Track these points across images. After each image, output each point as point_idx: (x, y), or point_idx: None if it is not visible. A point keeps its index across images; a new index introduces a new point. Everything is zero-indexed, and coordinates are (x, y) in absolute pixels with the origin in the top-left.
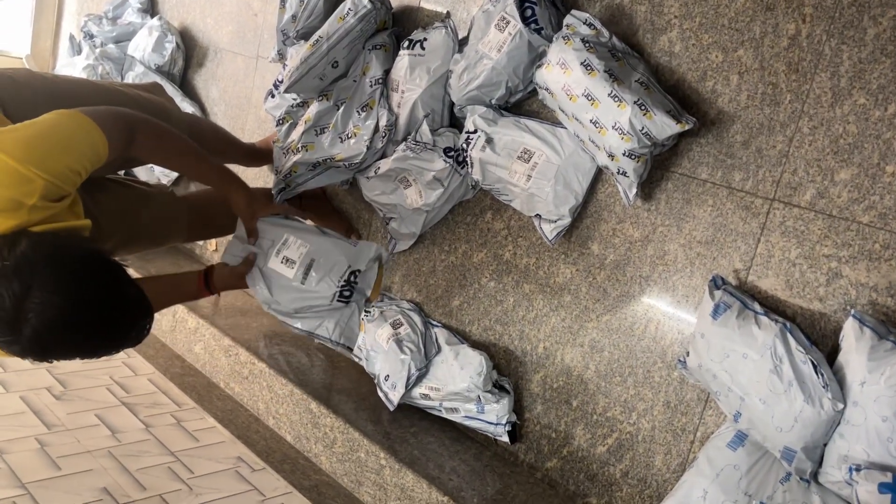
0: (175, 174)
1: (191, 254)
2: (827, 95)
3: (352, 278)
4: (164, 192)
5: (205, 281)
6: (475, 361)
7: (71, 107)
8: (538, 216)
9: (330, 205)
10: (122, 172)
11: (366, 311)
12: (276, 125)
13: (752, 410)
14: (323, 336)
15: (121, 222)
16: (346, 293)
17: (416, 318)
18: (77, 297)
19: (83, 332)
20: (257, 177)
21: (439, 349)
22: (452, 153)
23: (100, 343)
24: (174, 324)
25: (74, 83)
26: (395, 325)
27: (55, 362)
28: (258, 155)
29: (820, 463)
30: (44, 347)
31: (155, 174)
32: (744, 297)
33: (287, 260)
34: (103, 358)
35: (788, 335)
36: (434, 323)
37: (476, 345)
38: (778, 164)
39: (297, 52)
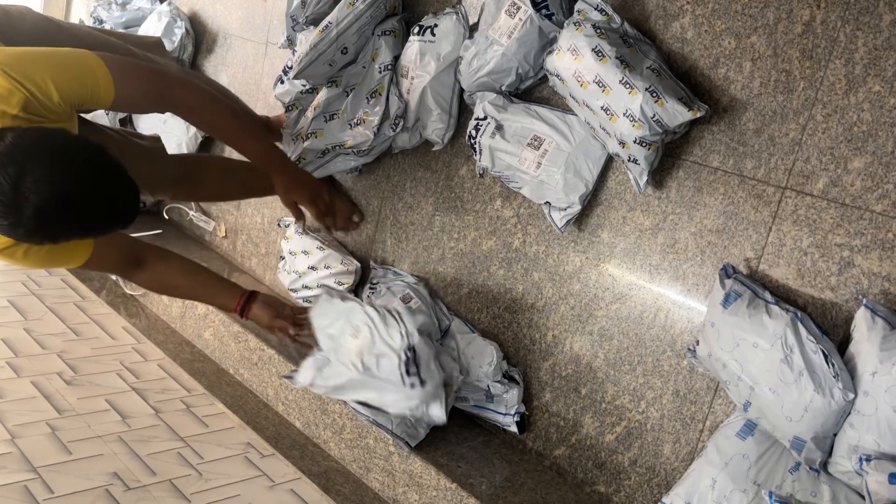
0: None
1: (200, 240)
2: (841, 83)
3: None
4: (156, 146)
5: (243, 305)
6: (486, 351)
7: (51, 39)
8: (548, 204)
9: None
10: (117, 123)
11: (371, 288)
12: (286, 111)
13: (762, 400)
14: (384, 426)
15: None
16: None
17: (424, 292)
18: (70, 170)
19: (80, 203)
20: None
21: (450, 321)
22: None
23: (94, 216)
24: (184, 310)
25: (66, 26)
26: (406, 300)
27: (58, 242)
28: (269, 129)
29: (830, 453)
30: (46, 224)
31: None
32: (755, 286)
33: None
34: (115, 341)
35: (799, 324)
36: (444, 309)
37: (485, 333)
38: (790, 152)
39: (307, 38)
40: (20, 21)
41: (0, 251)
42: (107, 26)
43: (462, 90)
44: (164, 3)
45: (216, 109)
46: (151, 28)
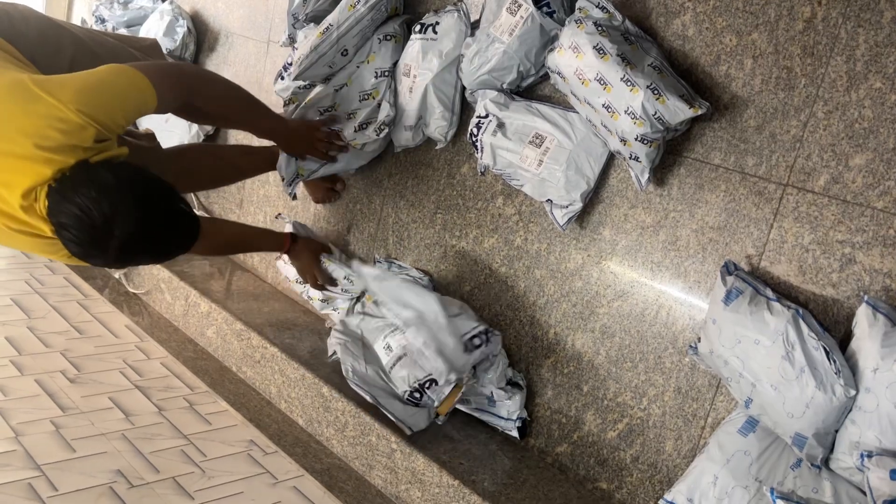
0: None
1: None
2: (842, 79)
3: (425, 385)
4: (153, 144)
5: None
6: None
7: (57, 45)
8: (549, 201)
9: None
10: None
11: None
12: (284, 106)
13: (764, 396)
14: (389, 409)
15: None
16: (417, 395)
17: (430, 286)
18: (155, 214)
19: (158, 241)
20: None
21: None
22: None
23: (167, 249)
24: (186, 308)
25: (68, 29)
26: None
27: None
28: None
29: (831, 449)
30: (126, 258)
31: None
32: (756, 282)
33: (388, 347)
34: (119, 339)
35: (801, 321)
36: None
37: None
38: (792, 148)
39: (307, 37)
40: (24, 24)
41: (54, 254)
42: (109, 25)
43: (464, 88)
44: (166, 2)
45: (235, 94)
46: (153, 27)
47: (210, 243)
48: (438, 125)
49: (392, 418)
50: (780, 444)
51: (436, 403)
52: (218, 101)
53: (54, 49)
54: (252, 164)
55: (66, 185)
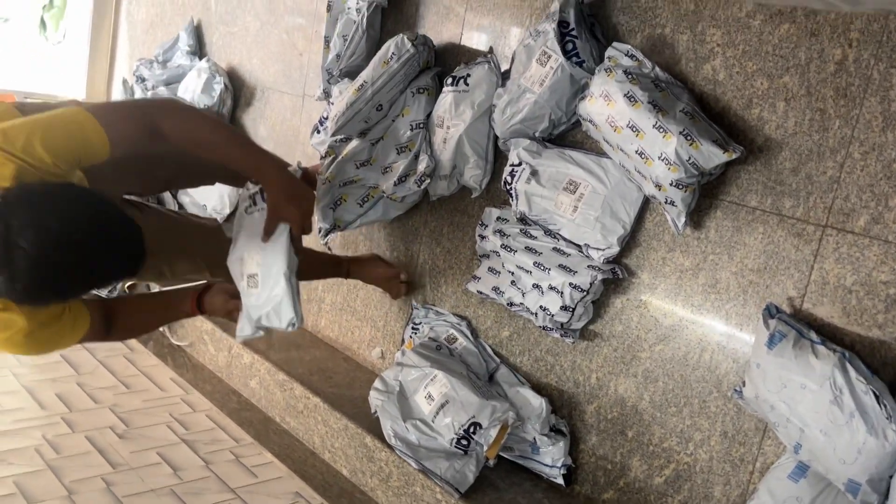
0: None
1: None
2: (877, 120)
3: (470, 430)
4: (214, 224)
5: (197, 302)
6: (535, 403)
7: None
8: (586, 246)
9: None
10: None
11: (413, 328)
12: (321, 159)
13: (813, 442)
14: (434, 472)
15: (163, 241)
16: (464, 442)
17: (467, 332)
18: (60, 216)
19: (74, 245)
20: None
21: (497, 364)
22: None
23: (97, 255)
24: (230, 359)
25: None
26: (451, 341)
27: (56, 300)
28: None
29: (886, 495)
30: (44, 273)
31: (207, 210)
32: (799, 325)
33: (429, 396)
34: (165, 392)
35: (848, 364)
36: (489, 351)
37: (527, 376)
38: (829, 189)
39: (342, 93)
40: None
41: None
42: (149, 84)
43: (497, 137)
44: (203, 60)
45: (207, 124)
46: (191, 84)
47: (124, 330)
48: (473, 174)
49: (439, 483)
50: (833, 491)
51: (484, 448)
52: (186, 125)
53: None
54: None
55: None
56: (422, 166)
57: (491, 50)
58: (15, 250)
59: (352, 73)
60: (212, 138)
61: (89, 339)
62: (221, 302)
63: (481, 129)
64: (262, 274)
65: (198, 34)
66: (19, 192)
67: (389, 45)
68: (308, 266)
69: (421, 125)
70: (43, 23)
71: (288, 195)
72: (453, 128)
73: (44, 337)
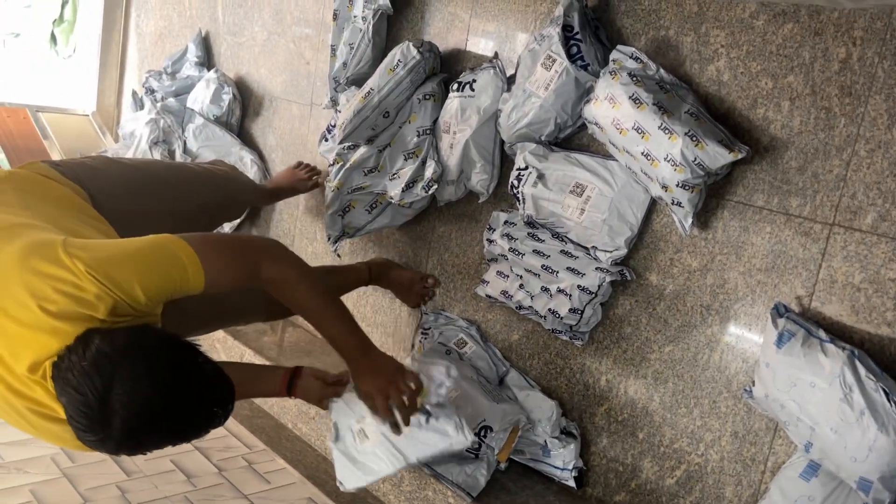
0: None
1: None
2: (883, 118)
3: (481, 433)
4: None
5: (288, 384)
6: (545, 406)
7: (141, 191)
8: (594, 248)
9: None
10: None
11: (423, 334)
12: (329, 166)
13: (824, 440)
14: (446, 476)
15: (201, 304)
16: (476, 446)
17: (477, 336)
18: (160, 382)
19: (171, 416)
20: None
21: (507, 368)
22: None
23: (189, 425)
24: None
25: (143, 166)
26: (460, 345)
27: (147, 454)
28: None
29: None
30: (135, 438)
31: None
32: (808, 324)
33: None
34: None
35: (857, 362)
36: (498, 354)
37: (537, 379)
38: (836, 188)
39: (349, 100)
40: (104, 177)
41: (74, 446)
42: (157, 95)
43: (503, 141)
44: (212, 71)
45: (309, 286)
46: (200, 95)
47: None
48: (480, 178)
49: (450, 487)
50: (845, 489)
51: (496, 451)
52: (285, 285)
53: (136, 192)
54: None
55: (63, 360)
56: (429, 172)
57: (496, 55)
58: (113, 415)
59: (358, 81)
60: (307, 304)
61: None
62: (318, 388)
63: (487, 133)
64: (379, 443)
65: (206, 45)
66: (126, 345)
67: (395, 53)
68: (337, 289)
69: (428, 131)
70: (53, 37)
71: (373, 375)
72: (460, 133)
73: None
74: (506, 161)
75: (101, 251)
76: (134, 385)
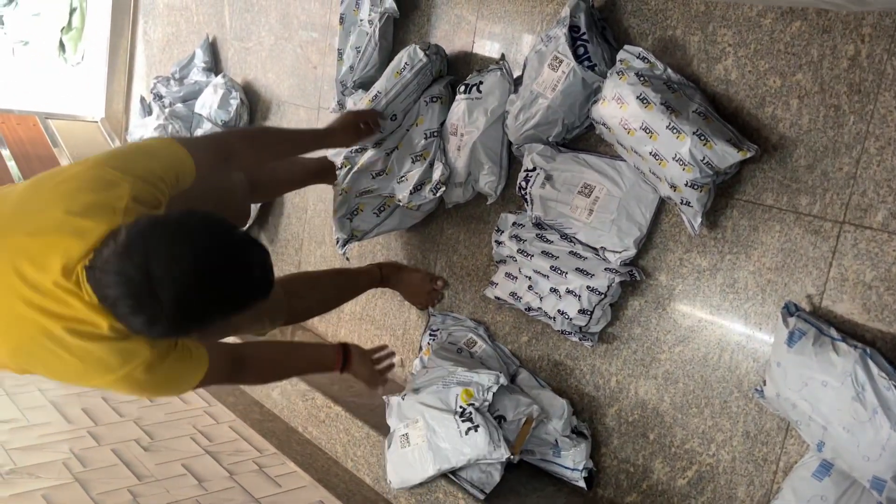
0: None
1: None
2: (892, 115)
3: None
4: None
5: (342, 362)
6: (557, 404)
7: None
8: (603, 249)
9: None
10: None
11: (431, 335)
12: (337, 170)
13: (836, 439)
14: (459, 474)
15: None
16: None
17: (485, 336)
18: (196, 245)
19: (215, 276)
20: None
21: (517, 367)
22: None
23: (235, 285)
24: None
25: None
26: (470, 345)
27: (201, 330)
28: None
29: None
30: (186, 305)
31: None
32: (819, 322)
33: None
34: (187, 405)
35: (869, 361)
36: (508, 353)
37: (547, 380)
38: (846, 186)
39: (356, 104)
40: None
41: (119, 379)
42: (166, 101)
43: (510, 143)
44: (219, 76)
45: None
46: (208, 100)
47: (257, 376)
48: (488, 180)
49: (466, 485)
50: (858, 488)
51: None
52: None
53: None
54: (359, 282)
55: (97, 257)
56: (437, 174)
57: (503, 57)
58: (160, 286)
59: (365, 85)
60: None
61: (212, 379)
62: (369, 372)
63: (495, 135)
64: (422, 448)
65: (213, 51)
66: (152, 221)
67: (402, 56)
68: (349, 291)
69: (435, 133)
70: (62, 45)
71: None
72: (467, 135)
73: (164, 371)
74: (514, 163)
75: (107, 151)
76: (171, 251)
